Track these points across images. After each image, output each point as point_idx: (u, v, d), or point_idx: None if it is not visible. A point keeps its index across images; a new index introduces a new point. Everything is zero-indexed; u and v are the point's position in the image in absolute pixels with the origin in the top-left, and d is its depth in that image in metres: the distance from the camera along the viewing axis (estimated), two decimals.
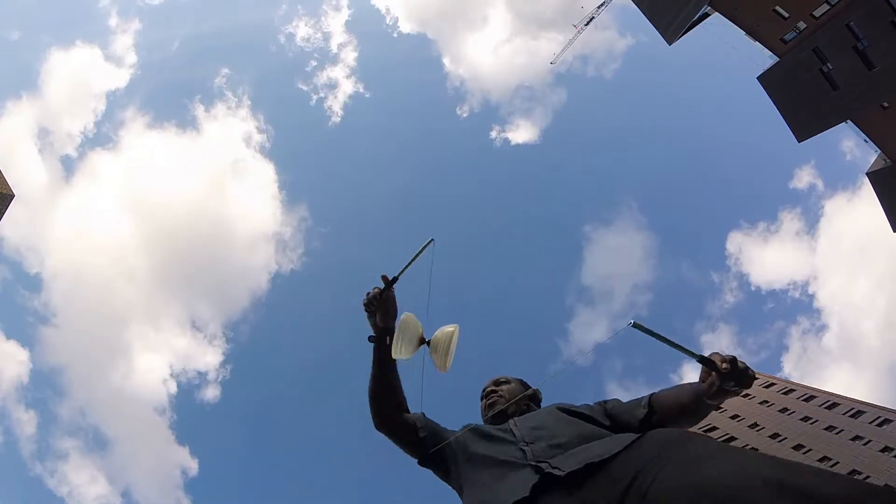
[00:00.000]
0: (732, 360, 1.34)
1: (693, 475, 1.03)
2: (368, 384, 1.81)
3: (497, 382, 2.09)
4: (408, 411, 1.84)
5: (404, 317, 1.75)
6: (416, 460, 1.77)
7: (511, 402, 1.95)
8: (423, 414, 1.83)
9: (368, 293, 1.82)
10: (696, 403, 1.48)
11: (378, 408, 1.80)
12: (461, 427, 1.80)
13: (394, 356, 1.73)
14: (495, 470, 1.49)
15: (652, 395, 1.70)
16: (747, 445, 38.21)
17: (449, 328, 1.72)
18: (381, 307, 1.82)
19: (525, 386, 2.09)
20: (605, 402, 1.79)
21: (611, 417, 1.70)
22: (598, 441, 1.41)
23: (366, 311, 1.83)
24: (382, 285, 1.82)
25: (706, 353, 1.37)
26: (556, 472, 1.32)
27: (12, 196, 29.56)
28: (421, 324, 1.74)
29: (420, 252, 1.70)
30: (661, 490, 1.06)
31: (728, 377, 1.34)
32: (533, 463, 1.40)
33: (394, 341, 1.71)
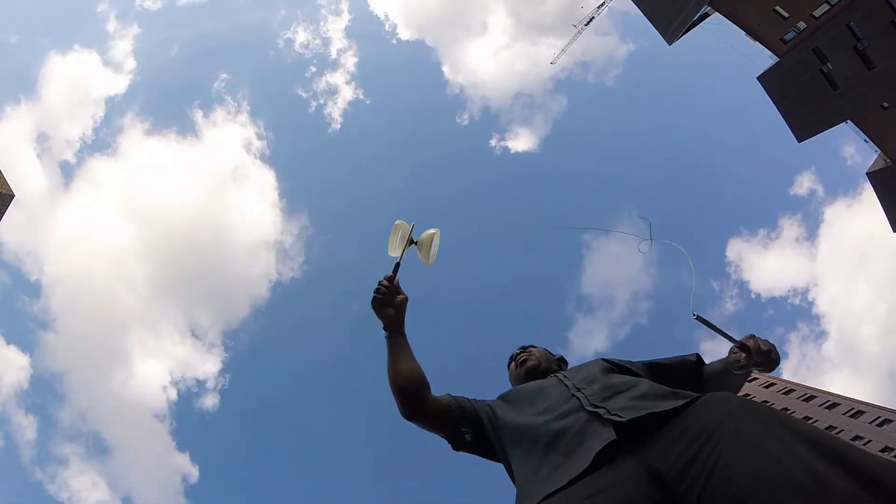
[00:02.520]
0: (766, 352, 1.51)
1: (746, 470, 0.98)
2: (390, 376, 1.68)
3: (524, 347, 2.07)
4: (431, 392, 1.71)
5: (397, 222, 1.95)
6: (451, 445, 1.66)
7: (544, 360, 1.96)
8: (450, 394, 1.73)
9: (381, 283, 1.77)
10: (725, 372, 1.61)
11: (405, 397, 1.65)
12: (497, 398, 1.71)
13: (390, 253, 1.90)
14: (541, 442, 1.35)
15: (697, 354, 1.80)
16: None
17: (432, 230, 1.98)
18: (392, 296, 1.77)
19: (551, 353, 2.09)
20: (646, 361, 1.77)
21: (654, 371, 1.69)
22: (655, 393, 1.33)
23: (379, 302, 1.76)
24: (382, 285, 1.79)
25: (741, 337, 1.56)
26: (616, 418, 1.23)
27: (12, 196, 29.57)
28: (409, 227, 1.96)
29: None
30: (723, 480, 0.99)
31: (756, 362, 1.51)
32: (590, 409, 1.31)
33: (389, 242, 1.92)
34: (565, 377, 1.57)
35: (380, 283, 1.77)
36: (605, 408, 1.30)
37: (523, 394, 1.63)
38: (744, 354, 1.51)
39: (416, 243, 1.93)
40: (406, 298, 1.80)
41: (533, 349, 2.04)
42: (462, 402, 1.69)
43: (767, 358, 1.51)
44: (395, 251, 1.90)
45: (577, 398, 1.40)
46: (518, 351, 2.06)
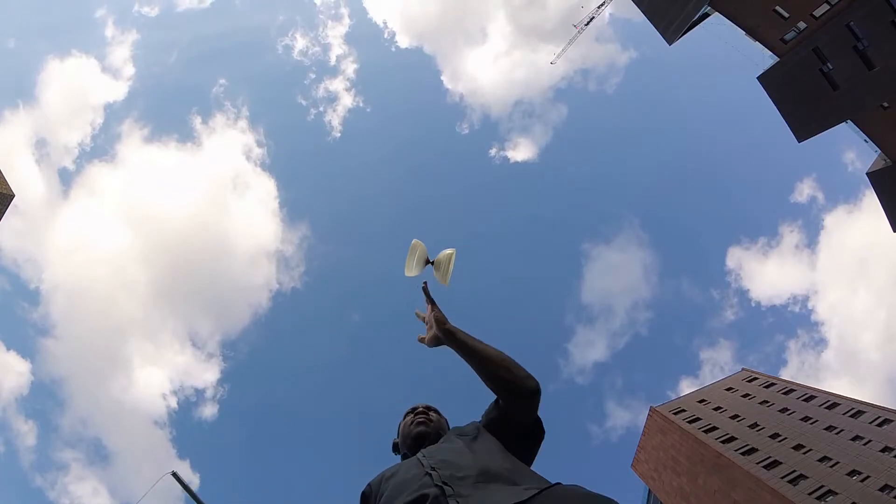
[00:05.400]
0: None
1: None
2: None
3: (429, 408, 2.14)
4: None
5: (414, 242, 1.99)
6: None
7: (436, 430, 2.00)
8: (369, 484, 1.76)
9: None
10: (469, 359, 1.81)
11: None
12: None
13: (406, 274, 1.98)
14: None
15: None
16: (747, 445, 38.20)
17: (448, 250, 2.01)
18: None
19: (447, 423, 2.14)
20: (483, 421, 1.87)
21: (488, 426, 1.80)
22: (501, 483, 1.38)
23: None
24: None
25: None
26: (458, 500, 1.30)
27: (12, 196, 29.55)
28: (426, 247, 2.02)
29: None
30: None
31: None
32: (439, 483, 1.38)
33: (406, 261, 1.97)
34: (424, 457, 1.62)
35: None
36: (451, 486, 1.36)
37: (392, 485, 1.62)
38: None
39: (432, 263, 1.99)
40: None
41: (433, 415, 2.09)
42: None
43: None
44: (411, 271, 1.98)
45: (430, 475, 1.46)
46: (422, 408, 2.12)
